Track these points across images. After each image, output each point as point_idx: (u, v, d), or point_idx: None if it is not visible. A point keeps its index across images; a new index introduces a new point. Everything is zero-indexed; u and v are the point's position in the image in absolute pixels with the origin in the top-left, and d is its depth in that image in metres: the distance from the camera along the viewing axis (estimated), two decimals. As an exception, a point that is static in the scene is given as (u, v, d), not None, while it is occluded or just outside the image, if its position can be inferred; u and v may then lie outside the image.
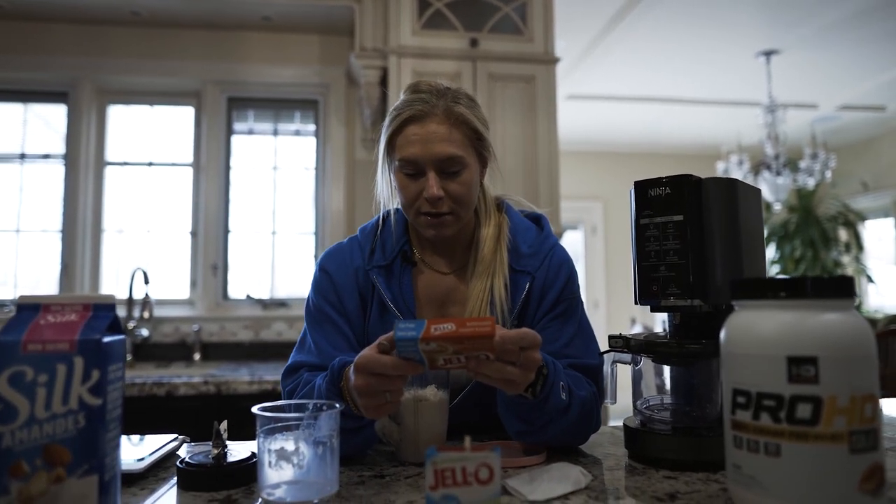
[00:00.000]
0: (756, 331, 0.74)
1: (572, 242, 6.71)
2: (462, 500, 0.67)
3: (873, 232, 6.50)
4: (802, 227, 5.96)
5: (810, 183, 4.56)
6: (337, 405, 0.81)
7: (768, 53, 4.31)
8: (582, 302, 1.19)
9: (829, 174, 4.57)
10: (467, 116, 1.10)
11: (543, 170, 2.81)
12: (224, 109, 3.18)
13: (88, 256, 3.06)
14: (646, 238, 1.02)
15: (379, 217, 1.21)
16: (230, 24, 3.12)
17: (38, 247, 3.09)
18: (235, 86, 3.18)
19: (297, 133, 3.31)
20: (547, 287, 1.14)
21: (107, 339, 0.70)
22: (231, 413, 1.88)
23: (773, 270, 6.12)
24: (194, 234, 3.15)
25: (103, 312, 0.73)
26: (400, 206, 1.14)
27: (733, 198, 1.01)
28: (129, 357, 2.81)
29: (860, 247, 6.02)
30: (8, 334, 0.68)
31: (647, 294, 1.02)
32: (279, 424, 0.79)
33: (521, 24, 2.87)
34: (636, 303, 1.06)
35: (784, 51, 4.30)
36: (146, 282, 2.80)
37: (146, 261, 3.11)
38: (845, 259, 6.06)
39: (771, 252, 6.15)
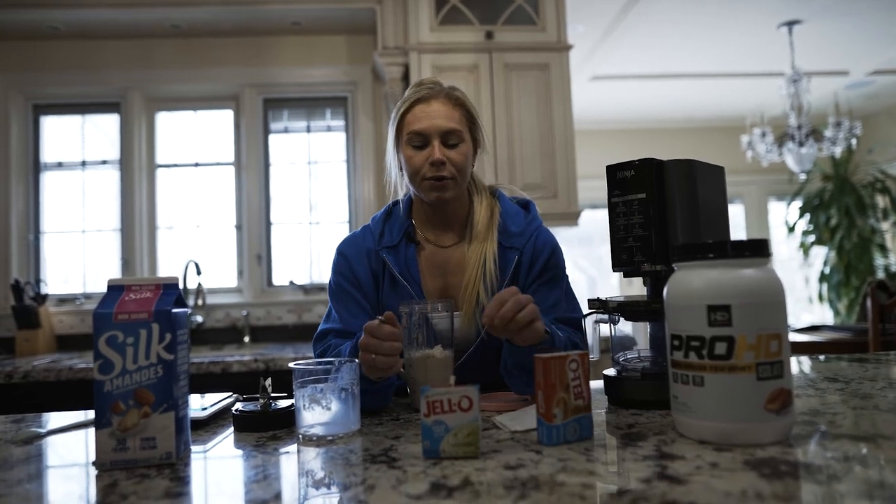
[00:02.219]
0: (687, 286, 0.90)
1: (597, 220, 6.79)
2: (448, 423, 0.88)
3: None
4: (837, 195, 5.91)
5: (836, 151, 4.55)
6: (356, 360, 1.02)
7: (790, 24, 4.31)
8: (567, 276, 1.39)
9: (854, 142, 4.55)
10: (465, 100, 1.35)
11: (560, 153, 2.95)
12: (260, 110, 3.42)
13: (146, 251, 3.36)
14: (616, 214, 1.19)
15: (387, 207, 1.42)
16: (262, 30, 3.35)
17: (101, 245, 3.40)
18: (270, 87, 3.42)
19: (329, 129, 3.53)
20: (534, 259, 1.34)
21: (175, 311, 0.92)
22: (277, 384, 2.11)
23: (808, 241, 6.09)
24: (239, 227, 3.42)
25: (170, 290, 0.95)
26: (407, 180, 1.35)
27: (692, 177, 1.17)
28: (186, 341, 3.09)
29: (899, 213, 5.94)
30: (103, 308, 0.90)
31: (620, 262, 1.19)
32: (311, 377, 1.00)
33: (534, 15, 3.01)
34: (612, 269, 1.23)
35: (807, 20, 4.30)
36: (198, 272, 3.08)
37: (197, 253, 3.39)
38: (884, 226, 5.99)
39: (804, 222, 6.11)
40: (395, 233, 1.37)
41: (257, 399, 1.15)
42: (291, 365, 1.01)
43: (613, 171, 1.20)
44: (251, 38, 3.38)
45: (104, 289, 0.95)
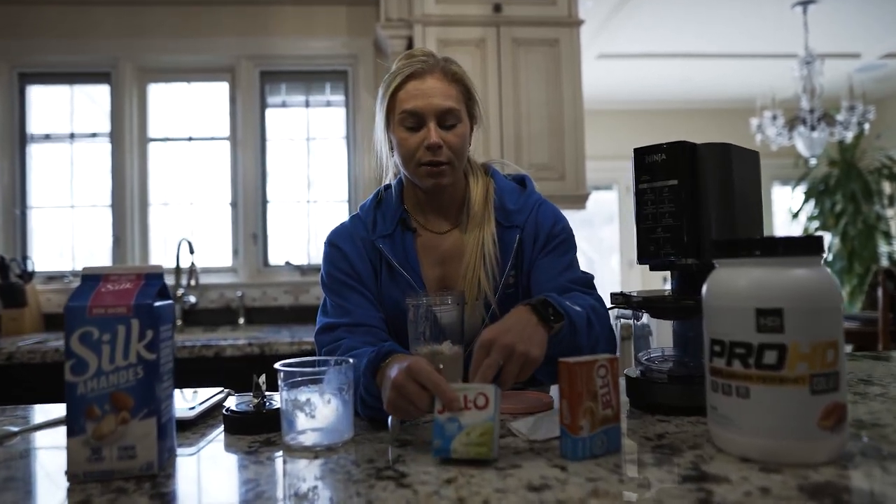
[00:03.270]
0: (731, 286, 0.81)
1: (607, 202, 6.69)
2: (462, 422, 0.81)
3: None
4: (844, 181, 5.81)
5: (848, 136, 4.44)
6: (350, 360, 0.92)
7: (805, 3, 4.17)
8: (575, 244, 1.30)
9: (867, 127, 4.44)
10: (462, 75, 1.23)
11: (569, 132, 2.84)
12: (257, 83, 3.29)
13: (137, 228, 3.25)
14: (644, 202, 1.09)
15: (376, 193, 1.32)
16: (259, -2, 3.20)
17: (91, 221, 3.29)
18: (267, 59, 3.28)
19: (329, 104, 3.40)
20: (538, 233, 1.26)
21: (157, 304, 0.82)
22: (272, 377, 2.02)
23: (812, 227, 6.00)
24: (234, 204, 3.31)
25: (153, 281, 0.85)
26: (400, 163, 1.24)
27: (727, 162, 1.07)
28: (178, 322, 3.00)
29: (905, 200, 5.85)
30: (76, 300, 0.80)
31: (646, 253, 1.09)
32: (297, 379, 0.91)
33: (544, -13, 2.87)
34: (637, 262, 1.14)
35: (821, 0, 4.16)
36: (191, 251, 2.97)
37: (190, 231, 3.28)
38: (889, 213, 5.90)
39: (810, 207, 6.02)
40: (389, 220, 1.27)
41: (251, 397, 1.06)
42: (277, 367, 0.92)
43: (642, 155, 1.09)
44: (248, 6, 3.24)
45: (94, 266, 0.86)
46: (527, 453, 0.84)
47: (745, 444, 0.78)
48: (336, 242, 1.27)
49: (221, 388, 1.21)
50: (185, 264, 3.05)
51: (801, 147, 4.44)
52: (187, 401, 1.16)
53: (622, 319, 1.17)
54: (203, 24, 3.22)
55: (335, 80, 3.37)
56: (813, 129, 4.22)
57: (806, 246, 0.79)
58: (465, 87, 1.23)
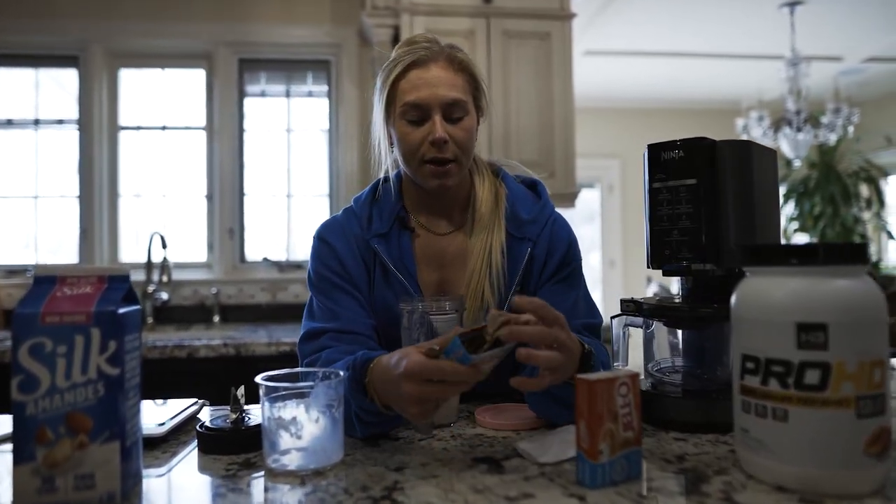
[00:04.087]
0: (766, 297, 0.73)
1: (588, 201, 6.66)
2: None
3: (894, 187, 6.37)
4: (823, 184, 5.84)
5: (832, 139, 4.44)
6: (340, 373, 0.83)
7: (792, 4, 4.16)
8: (583, 269, 1.20)
9: (851, 129, 4.45)
10: (468, 63, 1.13)
11: (559, 129, 2.77)
12: (236, 71, 3.16)
13: (106, 221, 3.09)
14: (658, 202, 1.01)
15: (372, 186, 1.21)
16: (238, -17, 3.07)
17: (57, 212, 3.13)
18: (246, 47, 3.15)
19: (310, 94, 3.28)
20: (550, 252, 1.15)
21: (122, 311, 0.72)
22: (250, 375, 1.91)
23: (791, 228, 6.03)
24: (210, 197, 3.17)
25: (118, 284, 0.75)
26: (401, 160, 1.13)
27: (748, 161, 1.00)
28: (149, 320, 2.87)
29: (882, 203, 5.90)
30: (26, 307, 0.70)
31: (660, 258, 1.02)
32: (281, 393, 0.81)
33: (535, -22, 2.79)
34: (648, 266, 1.06)
35: (808, 1, 4.14)
36: (164, 246, 2.84)
37: (163, 225, 3.14)
38: (866, 216, 5.95)
39: (790, 209, 6.04)
40: (386, 218, 1.16)
41: (228, 410, 0.96)
42: (259, 380, 0.82)
43: (657, 151, 1.02)
44: (226, -9, 3.10)
45: (58, 260, 0.75)
46: (538, 479, 0.76)
47: (782, 471, 0.71)
48: (326, 238, 1.16)
49: (195, 399, 1.10)
50: (157, 259, 2.91)
51: (786, 148, 4.43)
52: (156, 408, 1.06)
53: (630, 328, 1.09)
54: (179, 7, 3.08)
55: (317, 69, 3.25)
56: (799, 130, 4.21)
57: (850, 254, 0.71)
58: (472, 77, 1.13)
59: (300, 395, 0.82)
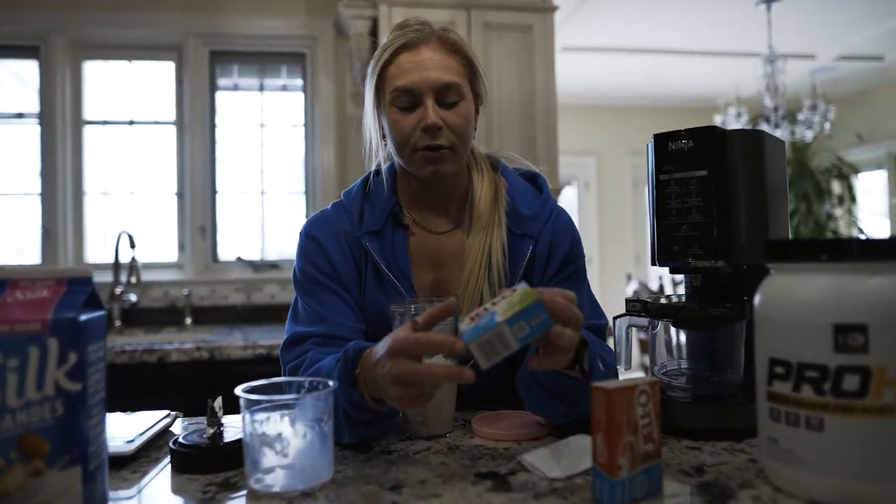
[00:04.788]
0: (797, 297, 0.68)
1: (566, 199, 6.64)
2: (497, 311, 0.72)
3: (864, 184, 6.48)
4: (797, 180, 5.91)
5: (808, 135, 4.48)
6: (330, 383, 0.75)
7: (769, 1, 4.17)
8: (585, 265, 1.14)
9: (827, 126, 4.49)
10: (462, 45, 1.06)
11: (541, 124, 2.71)
12: (206, 64, 3.04)
13: (70, 220, 2.95)
14: (666, 195, 0.96)
15: (363, 179, 1.13)
16: (209, -28, 2.95)
17: (18, 211, 2.97)
18: (218, 38, 3.03)
19: (285, 88, 3.18)
20: (553, 249, 1.08)
21: (84, 317, 0.63)
22: (225, 380, 1.83)
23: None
24: (180, 195, 3.05)
25: (79, 287, 0.66)
26: (393, 150, 1.06)
27: (759, 151, 0.94)
28: (117, 323, 2.74)
29: (853, 199, 6.00)
30: (-29, 314, 0.61)
31: (667, 254, 0.96)
32: (264, 406, 0.73)
33: (517, -30, 2.73)
34: (654, 263, 1.00)
35: (785, -1, 4.17)
36: (132, 245, 2.71)
37: (131, 224, 3.01)
38: (838, 212, 6.04)
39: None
40: (379, 215, 1.08)
41: (204, 424, 0.88)
42: (239, 392, 0.74)
43: (664, 141, 0.96)
44: (196, -21, 2.98)
45: (20, 262, 0.66)
46: (549, 497, 0.70)
47: (816, 484, 0.65)
48: (314, 234, 1.08)
49: (167, 412, 1.01)
50: (125, 259, 2.78)
51: (763, 145, 4.45)
52: (125, 422, 0.97)
53: (634, 328, 1.03)
54: (146, -4, 2.95)
55: (292, 62, 3.15)
56: (776, 126, 4.23)
57: (889, 249, 0.66)
58: (467, 60, 1.05)
59: (285, 408, 0.74)
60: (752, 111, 4.67)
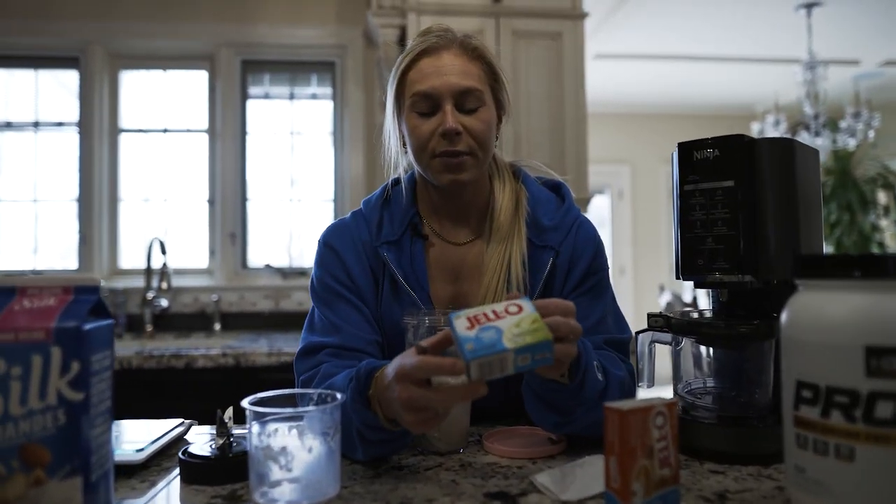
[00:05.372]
0: (826, 316, 0.64)
1: (598, 207, 6.55)
2: (501, 326, 0.70)
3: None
4: (839, 190, 5.72)
5: (851, 143, 4.32)
6: (338, 396, 0.74)
7: (809, 6, 4.05)
8: (610, 280, 1.10)
9: (871, 134, 4.33)
10: (485, 51, 1.04)
11: (571, 132, 2.67)
12: (238, 73, 3.08)
13: (106, 226, 3.02)
14: (690, 206, 0.92)
15: (383, 188, 1.12)
16: (242, -18, 3.00)
17: (58, 217, 3.06)
18: (250, 48, 3.08)
19: (315, 97, 3.20)
20: (574, 261, 1.05)
21: (88, 326, 0.63)
22: (249, 386, 1.83)
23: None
24: (212, 202, 3.09)
25: (85, 296, 0.66)
26: (412, 157, 1.04)
27: (790, 160, 0.90)
28: (149, 328, 2.78)
29: (900, 210, 5.78)
30: (-23, 322, 0.61)
31: (692, 268, 0.92)
32: (270, 418, 0.72)
33: (547, -23, 2.70)
34: (678, 277, 0.97)
35: (826, 3, 4.04)
36: (163, 251, 2.76)
37: (164, 230, 3.07)
38: (883, 223, 5.82)
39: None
40: (397, 224, 1.06)
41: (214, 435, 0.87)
42: (245, 404, 0.72)
43: (689, 150, 0.92)
44: (230, -10, 3.03)
45: (57, 265, 0.67)
46: (561, 522, 0.66)
47: (847, 519, 0.61)
48: (332, 243, 1.07)
49: (181, 420, 1.01)
50: (157, 265, 2.83)
51: (802, 154, 4.31)
52: (137, 436, 0.97)
53: (657, 344, 0.99)
54: (181, 7, 3.01)
55: (322, 71, 3.18)
56: (817, 134, 4.10)
57: (926, 266, 0.61)
58: (490, 67, 1.03)
59: (291, 421, 0.73)
60: (792, 119, 4.54)
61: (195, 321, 2.91)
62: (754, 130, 4.54)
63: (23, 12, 2.92)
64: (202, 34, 3.03)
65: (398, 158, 1.10)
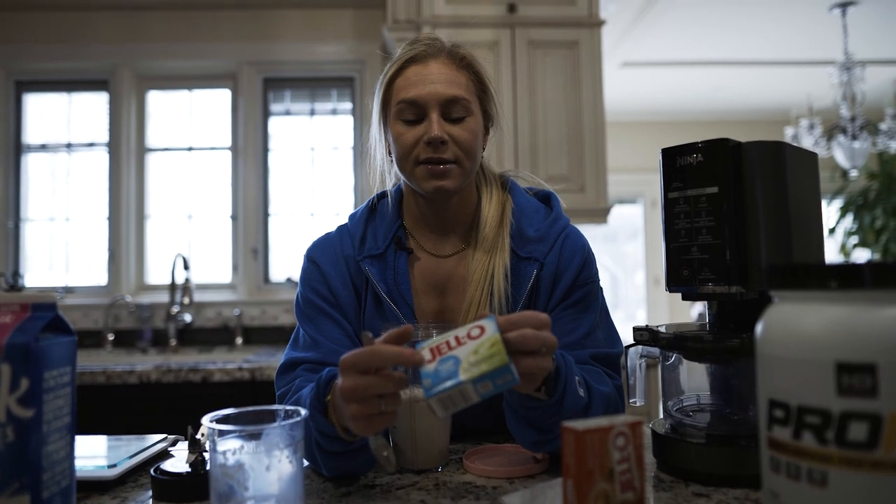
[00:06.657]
0: (797, 329, 0.59)
1: (631, 216, 6.44)
2: (459, 355, 0.67)
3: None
4: (884, 195, 5.49)
5: (893, 146, 4.15)
6: (301, 412, 0.72)
7: (844, 5, 3.92)
8: (601, 289, 1.06)
9: (915, 136, 4.14)
10: (472, 61, 1.02)
11: (589, 141, 2.63)
12: (260, 90, 3.14)
13: (133, 242, 3.10)
14: (675, 214, 0.88)
15: (370, 201, 1.11)
16: (262, 2, 3.06)
17: (89, 234, 3.15)
18: (270, 66, 3.13)
19: (334, 112, 3.24)
20: (560, 273, 1.01)
21: (40, 343, 0.63)
22: (261, 400, 1.85)
23: (850, 243, 5.68)
24: (234, 217, 3.15)
25: (41, 313, 0.66)
26: (396, 166, 1.03)
27: (780, 164, 0.86)
28: (173, 342, 2.84)
29: (950, 214, 5.51)
30: (-74, 339, 0.62)
31: (677, 279, 0.88)
32: (228, 435, 0.71)
33: (563, -14, 2.68)
34: (667, 289, 0.93)
35: (861, 2, 3.90)
36: (186, 267, 2.81)
37: (189, 246, 3.13)
38: (933, 228, 5.56)
39: (848, 222, 5.70)
40: (381, 237, 1.05)
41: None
42: (205, 421, 0.72)
43: (672, 157, 0.89)
44: (250, 10, 3.09)
45: (88, 283, 0.67)
46: (520, 547, 0.63)
47: (821, 549, 0.56)
48: (315, 258, 1.06)
49: (164, 435, 1.01)
50: (180, 280, 2.88)
51: (841, 158, 4.15)
52: (117, 452, 0.97)
53: (646, 359, 0.95)
54: (204, 29, 3.09)
55: (341, 86, 3.21)
56: (854, 138, 3.94)
57: (905, 275, 0.57)
58: (478, 77, 1.02)
59: (249, 438, 0.72)
60: (827, 122, 4.38)
61: (218, 335, 2.95)
62: (788, 135, 4.39)
63: (55, 38, 3.04)
64: (225, 54, 3.10)
65: (385, 168, 1.09)
